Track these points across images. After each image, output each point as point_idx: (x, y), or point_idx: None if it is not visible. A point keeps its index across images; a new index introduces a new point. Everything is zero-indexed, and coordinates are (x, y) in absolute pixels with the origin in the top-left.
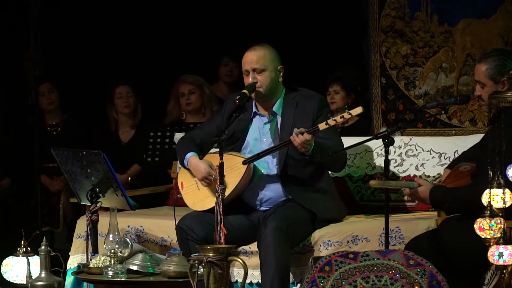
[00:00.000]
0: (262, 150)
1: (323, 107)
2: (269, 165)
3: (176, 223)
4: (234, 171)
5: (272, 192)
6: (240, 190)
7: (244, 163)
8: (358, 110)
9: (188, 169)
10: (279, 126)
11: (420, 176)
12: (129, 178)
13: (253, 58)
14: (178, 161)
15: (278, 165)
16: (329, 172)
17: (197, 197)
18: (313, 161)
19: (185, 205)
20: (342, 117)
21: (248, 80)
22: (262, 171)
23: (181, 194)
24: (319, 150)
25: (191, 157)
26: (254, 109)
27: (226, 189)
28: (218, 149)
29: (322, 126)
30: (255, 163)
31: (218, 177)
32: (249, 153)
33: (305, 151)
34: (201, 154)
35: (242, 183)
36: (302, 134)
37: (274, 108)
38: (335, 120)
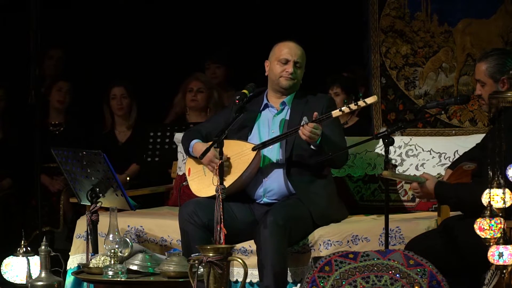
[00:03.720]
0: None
1: (332, 105)
2: (275, 153)
3: (180, 207)
4: (243, 157)
5: (275, 182)
6: (247, 178)
7: (254, 149)
8: (372, 99)
9: (194, 157)
10: (288, 115)
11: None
12: (128, 178)
13: (298, 52)
14: (179, 160)
15: (284, 153)
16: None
17: (203, 183)
18: (316, 160)
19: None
20: (357, 104)
21: (289, 69)
22: (268, 156)
23: (187, 181)
24: (325, 142)
25: (195, 143)
26: (265, 101)
27: (233, 175)
28: (219, 149)
29: (336, 113)
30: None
31: (218, 177)
32: (257, 143)
33: (312, 141)
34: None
35: (249, 170)
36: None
37: (285, 100)
38: (349, 107)
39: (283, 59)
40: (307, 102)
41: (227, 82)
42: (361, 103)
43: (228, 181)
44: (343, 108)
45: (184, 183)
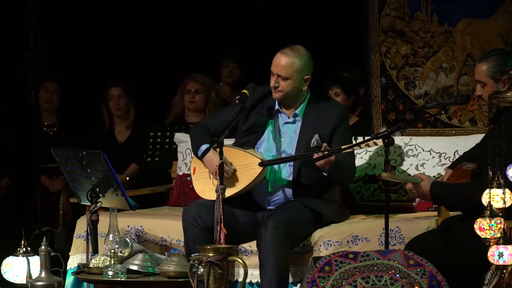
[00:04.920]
0: (279, 149)
1: (345, 119)
2: (282, 170)
3: (184, 208)
4: (249, 170)
5: (281, 194)
6: (250, 189)
7: (260, 164)
8: (379, 142)
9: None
10: (299, 128)
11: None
12: (128, 178)
13: (281, 63)
14: (179, 160)
15: (292, 169)
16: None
17: (207, 185)
18: (328, 171)
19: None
20: (367, 145)
21: (271, 82)
22: (275, 171)
23: (191, 177)
24: (335, 169)
25: (206, 148)
26: (277, 106)
27: (237, 187)
28: (233, 140)
29: (345, 147)
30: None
31: (218, 177)
32: (265, 149)
33: (324, 169)
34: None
35: (253, 183)
36: (323, 152)
37: (297, 111)
38: (359, 145)
39: (271, 71)
40: (319, 112)
41: (240, 83)
42: (371, 143)
43: (230, 192)
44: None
45: (188, 178)
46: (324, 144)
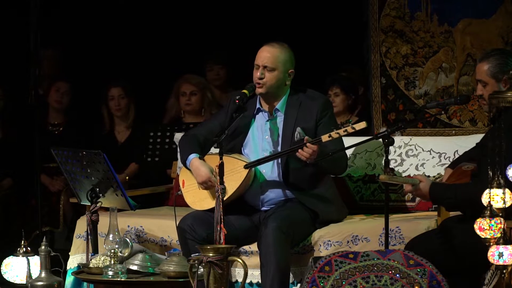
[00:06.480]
0: (263, 147)
1: (327, 109)
2: (270, 168)
3: (177, 222)
4: (235, 175)
5: (274, 193)
6: (240, 193)
7: (245, 167)
8: (361, 125)
9: (190, 169)
10: (282, 124)
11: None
12: (127, 177)
13: (267, 55)
14: (179, 161)
15: (280, 168)
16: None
17: (197, 196)
18: (316, 163)
19: (185, 205)
20: (346, 131)
21: (256, 74)
22: (263, 171)
23: (181, 191)
24: (323, 156)
25: (193, 159)
26: (258, 105)
27: (227, 192)
28: (219, 149)
29: (325, 138)
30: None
31: (218, 177)
32: (250, 150)
33: (313, 161)
34: (204, 152)
35: (242, 187)
36: (306, 146)
37: (278, 106)
38: (338, 133)
39: (255, 65)
40: (300, 105)
41: (227, 83)
42: (349, 129)
43: None
44: (331, 134)
45: (178, 192)
46: (306, 137)
